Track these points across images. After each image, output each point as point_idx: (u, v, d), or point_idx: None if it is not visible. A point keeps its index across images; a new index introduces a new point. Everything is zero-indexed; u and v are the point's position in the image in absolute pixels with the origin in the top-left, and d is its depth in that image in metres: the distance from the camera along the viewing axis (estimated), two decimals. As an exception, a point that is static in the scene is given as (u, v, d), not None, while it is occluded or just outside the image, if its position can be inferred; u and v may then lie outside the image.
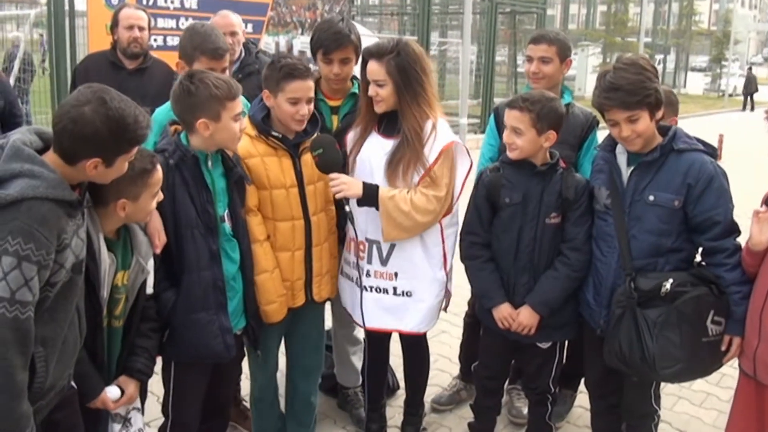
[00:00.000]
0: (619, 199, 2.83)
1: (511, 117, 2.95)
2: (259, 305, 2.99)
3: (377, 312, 3.20)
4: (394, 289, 3.16)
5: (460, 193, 3.12)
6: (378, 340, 3.44)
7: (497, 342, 3.22)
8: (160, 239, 2.64)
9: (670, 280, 2.69)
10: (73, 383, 2.35)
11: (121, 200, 2.37)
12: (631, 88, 2.68)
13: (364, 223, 3.13)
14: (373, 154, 3.10)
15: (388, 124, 3.11)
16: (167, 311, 2.70)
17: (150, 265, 2.58)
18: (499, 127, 3.57)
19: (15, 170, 1.95)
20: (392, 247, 3.11)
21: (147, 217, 2.53)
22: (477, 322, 3.52)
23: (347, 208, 3.01)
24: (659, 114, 2.75)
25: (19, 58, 9.43)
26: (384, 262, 3.14)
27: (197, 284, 2.72)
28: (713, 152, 2.81)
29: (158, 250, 2.63)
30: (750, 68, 32.12)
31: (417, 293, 3.17)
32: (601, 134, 3.22)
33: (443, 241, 3.16)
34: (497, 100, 16.35)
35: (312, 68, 3.08)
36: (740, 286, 2.71)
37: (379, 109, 3.07)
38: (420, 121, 3.02)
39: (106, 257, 2.38)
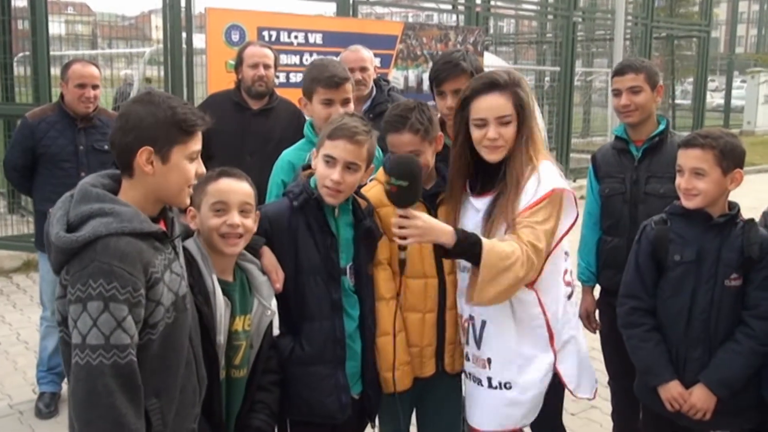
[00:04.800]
0: None
1: (690, 157, 2.83)
2: (378, 371, 2.99)
3: (471, 405, 2.99)
4: (489, 380, 2.89)
5: (554, 247, 2.77)
6: None
7: (663, 429, 3.05)
8: (278, 275, 2.73)
9: None
10: None
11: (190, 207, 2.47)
12: None
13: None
14: (468, 219, 2.89)
15: (485, 179, 2.88)
16: (283, 360, 2.77)
17: (273, 305, 2.66)
18: (597, 175, 3.69)
19: (85, 212, 2.02)
20: (484, 324, 2.87)
21: (214, 237, 2.55)
22: (623, 387, 3.38)
23: (402, 255, 2.71)
24: None
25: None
26: (478, 343, 2.90)
27: (317, 334, 2.79)
28: None
29: (278, 285, 2.71)
30: None
31: (518, 384, 2.85)
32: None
33: (545, 312, 2.81)
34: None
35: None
36: None
37: (497, 156, 2.77)
38: (525, 167, 2.75)
39: (221, 300, 2.44)
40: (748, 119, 25.65)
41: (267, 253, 2.75)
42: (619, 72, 3.65)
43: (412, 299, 3.02)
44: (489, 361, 2.87)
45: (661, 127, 3.58)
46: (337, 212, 2.85)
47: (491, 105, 2.74)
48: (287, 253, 2.77)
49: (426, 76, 10.00)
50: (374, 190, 3.03)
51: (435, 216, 2.93)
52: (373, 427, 3.20)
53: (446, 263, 3.01)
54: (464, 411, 3.08)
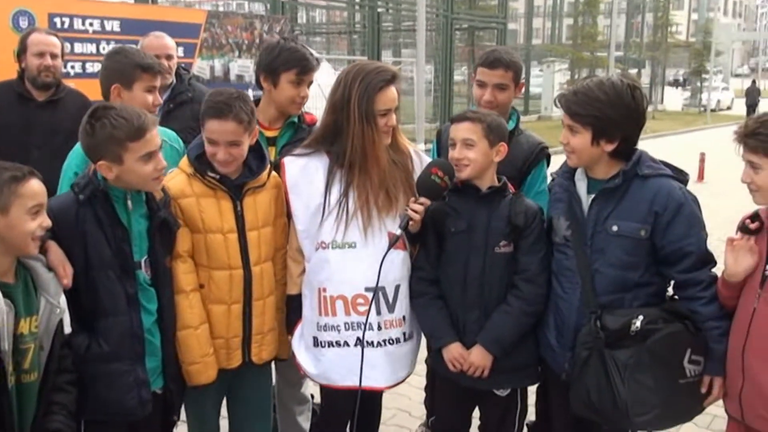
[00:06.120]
0: (580, 230, 2.88)
1: (461, 129, 3.01)
2: (181, 364, 2.97)
3: (388, 367, 3.09)
4: (404, 335, 3.11)
5: None
6: (341, 399, 3.23)
7: (452, 391, 3.21)
8: (66, 270, 2.62)
9: (640, 317, 2.71)
10: None
11: None
12: (584, 100, 2.77)
13: (361, 271, 3.02)
14: None
15: None
16: (79, 359, 2.67)
17: (62, 302, 2.55)
18: (440, 153, 3.65)
19: None
20: (398, 287, 3.06)
21: (29, 242, 2.45)
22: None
23: (399, 233, 2.97)
24: (608, 146, 2.79)
25: None
26: (391, 308, 3.06)
27: (114, 330, 2.71)
28: (682, 177, 2.88)
29: (66, 281, 2.60)
30: (753, 81, 34.97)
31: (415, 331, 3.17)
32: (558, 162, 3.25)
33: None
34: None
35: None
36: (718, 321, 2.75)
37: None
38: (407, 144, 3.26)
39: (1, 304, 2.32)
40: (546, 105, 27.44)
41: (53, 248, 2.62)
42: (490, 65, 3.50)
43: (217, 291, 3.02)
44: (404, 318, 3.10)
45: (512, 124, 3.52)
46: (131, 204, 2.78)
47: (394, 97, 3.03)
48: (76, 249, 2.67)
49: (233, 66, 9.90)
50: (176, 179, 2.99)
51: (241, 206, 3.02)
52: (177, 419, 3.16)
53: (252, 255, 3.06)
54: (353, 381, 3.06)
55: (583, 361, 2.80)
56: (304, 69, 3.36)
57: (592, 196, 2.88)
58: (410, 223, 2.96)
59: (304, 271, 3.12)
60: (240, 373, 3.14)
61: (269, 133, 3.46)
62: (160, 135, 3.33)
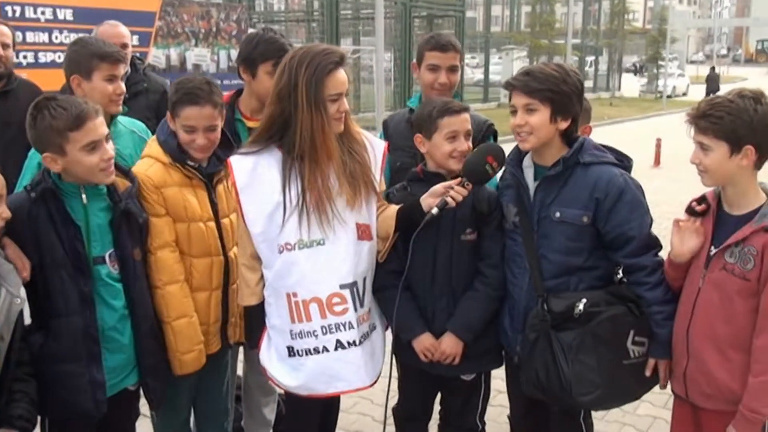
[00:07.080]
0: (527, 216, 2.94)
1: (464, 121, 3.05)
2: (173, 354, 2.99)
3: (370, 363, 3.01)
4: (370, 328, 3.05)
5: None
6: (307, 403, 3.11)
7: (417, 378, 3.23)
8: (24, 263, 2.62)
9: (584, 300, 2.78)
10: None
11: None
12: (541, 77, 2.83)
13: (334, 268, 2.88)
14: None
15: None
16: (34, 357, 2.67)
17: (22, 293, 2.54)
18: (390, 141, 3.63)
19: None
20: (365, 279, 2.98)
21: None
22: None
23: (435, 212, 2.87)
24: (563, 124, 2.86)
25: None
26: (362, 301, 2.96)
27: (66, 331, 2.70)
28: (626, 164, 2.95)
29: (25, 274, 2.60)
30: (713, 67, 35.39)
31: (378, 322, 3.12)
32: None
33: None
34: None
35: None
36: (663, 306, 2.82)
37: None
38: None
39: None
40: (505, 93, 27.49)
41: (9, 244, 2.62)
42: (442, 48, 3.55)
43: (199, 279, 3.07)
44: (370, 310, 3.04)
45: None
46: (86, 198, 2.76)
47: (345, 80, 2.85)
48: (29, 248, 2.66)
49: (190, 55, 9.83)
50: (154, 168, 3.01)
51: (215, 194, 3.09)
52: (155, 413, 3.21)
53: (228, 241, 3.12)
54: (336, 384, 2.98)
55: (531, 343, 2.86)
56: (281, 60, 3.35)
57: (537, 182, 2.94)
58: (446, 206, 2.87)
59: (261, 278, 2.97)
60: (212, 358, 3.19)
61: (251, 124, 3.48)
62: (129, 126, 3.36)
